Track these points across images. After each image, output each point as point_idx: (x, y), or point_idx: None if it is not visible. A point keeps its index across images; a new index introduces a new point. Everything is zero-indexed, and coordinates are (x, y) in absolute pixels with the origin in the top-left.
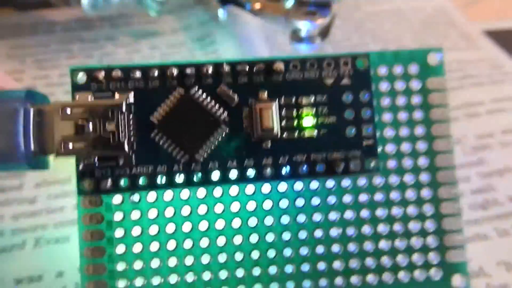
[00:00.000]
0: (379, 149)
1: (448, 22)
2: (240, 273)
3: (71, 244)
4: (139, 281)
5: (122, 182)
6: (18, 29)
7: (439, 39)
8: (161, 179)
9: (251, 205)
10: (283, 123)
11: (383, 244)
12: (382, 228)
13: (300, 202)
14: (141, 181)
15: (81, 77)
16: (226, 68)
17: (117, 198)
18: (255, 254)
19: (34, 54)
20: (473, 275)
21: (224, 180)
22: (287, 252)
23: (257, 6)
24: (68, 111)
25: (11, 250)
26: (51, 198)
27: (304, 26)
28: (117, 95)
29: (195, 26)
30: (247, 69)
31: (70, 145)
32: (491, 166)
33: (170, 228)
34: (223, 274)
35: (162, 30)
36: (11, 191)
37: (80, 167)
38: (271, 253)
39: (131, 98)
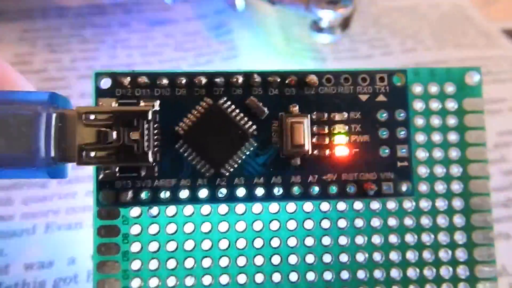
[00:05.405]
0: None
1: (465, 19)
2: None
3: (84, 230)
4: None
5: (143, 195)
6: (29, 13)
7: (457, 36)
8: (183, 194)
9: (274, 225)
10: (314, 139)
11: (411, 272)
12: (410, 255)
13: (326, 223)
14: (162, 194)
15: (106, 82)
16: (257, 78)
17: (135, 211)
18: (276, 277)
19: (45, 38)
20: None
21: (250, 197)
22: (310, 276)
23: None
24: (92, 117)
25: (21, 234)
26: (62, 183)
27: (325, 15)
28: (142, 103)
29: (211, 15)
30: (278, 81)
31: (92, 154)
32: None
33: (189, 245)
34: None
35: (177, 18)
36: None
37: (100, 177)
38: (294, 277)
39: (157, 106)
